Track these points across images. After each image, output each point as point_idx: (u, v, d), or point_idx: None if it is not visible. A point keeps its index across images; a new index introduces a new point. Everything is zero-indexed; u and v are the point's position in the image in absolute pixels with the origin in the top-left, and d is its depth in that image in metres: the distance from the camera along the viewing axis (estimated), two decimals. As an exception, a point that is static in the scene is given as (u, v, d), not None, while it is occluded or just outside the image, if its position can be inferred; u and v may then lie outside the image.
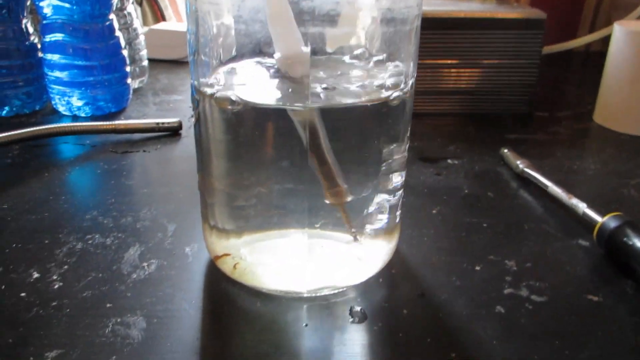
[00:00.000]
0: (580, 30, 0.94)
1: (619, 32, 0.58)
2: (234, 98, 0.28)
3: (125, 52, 0.62)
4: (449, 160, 0.51)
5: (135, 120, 0.58)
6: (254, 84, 0.29)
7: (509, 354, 0.28)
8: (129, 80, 0.63)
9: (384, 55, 0.30)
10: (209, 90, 0.29)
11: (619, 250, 0.35)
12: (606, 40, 0.60)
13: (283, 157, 0.29)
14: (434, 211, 0.41)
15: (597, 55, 0.62)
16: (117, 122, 0.54)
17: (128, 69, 0.63)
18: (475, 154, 0.52)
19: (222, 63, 0.29)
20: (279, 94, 0.29)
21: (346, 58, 0.30)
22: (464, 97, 0.62)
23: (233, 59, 0.29)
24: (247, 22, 0.27)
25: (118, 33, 0.61)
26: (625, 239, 0.34)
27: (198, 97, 0.30)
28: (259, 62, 0.29)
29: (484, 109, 0.63)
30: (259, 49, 0.28)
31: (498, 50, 0.61)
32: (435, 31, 0.59)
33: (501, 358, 0.28)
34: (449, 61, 0.61)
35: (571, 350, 0.28)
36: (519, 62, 0.62)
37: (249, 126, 0.29)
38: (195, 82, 0.30)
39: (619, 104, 0.59)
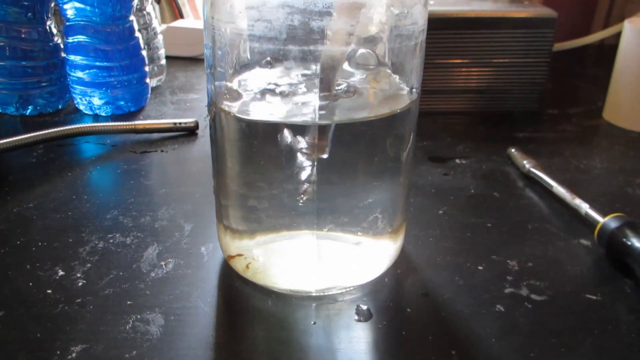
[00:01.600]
0: (594, 26, 0.94)
1: (629, 29, 0.58)
2: (247, 116, 0.30)
3: (144, 53, 0.64)
4: (457, 160, 0.52)
5: (153, 120, 0.60)
6: (265, 99, 0.31)
7: (507, 351, 0.30)
8: (147, 80, 0.65)
9: (391, 66, 0.31)
10: (223, 104, 0.31)
11: (618, 250, 0.36)
12: (620, 35, 0.61)
13: (293, 163, 0.31)
14: (440, 211, 0.43)
15: (612, 49, 0.63)
16: (136, 122, 0.56)
17: (147, 68, 0.65)
18: (484, 153, 0.53)
19: (237, 73, 0.31)
20: (288, 109, 0.30)
21: (355, 66, 0.31)
22: (474, 95, 0.63)
23: (248, 71, 0.31)
24: (260, 39, 0.29)
25: (137, 34, 0.63)
26: (624, 239, 0.36)
27: (214, 108, 0.32)
28: (271, 76, 0.30)
29: (494, 107, 0.64)
30: (270, 63, 0.30)
31: (508, 49, 0.62)
32: (446, 31, 0.60)
33: (499, 355, 0.29)
34: (460, 60, 0.62)
35: (568, 347, 0.30)
36: (529, 61, 0.62)
37: (260, 135, 0.31)
38: (212, 94, 0.32)
39: (629, 101, 0.60)
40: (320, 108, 0.29)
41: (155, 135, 0.57)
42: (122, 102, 0.63)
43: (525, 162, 0.48)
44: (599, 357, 0.29)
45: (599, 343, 0.30)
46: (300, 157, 0.30)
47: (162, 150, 0.54)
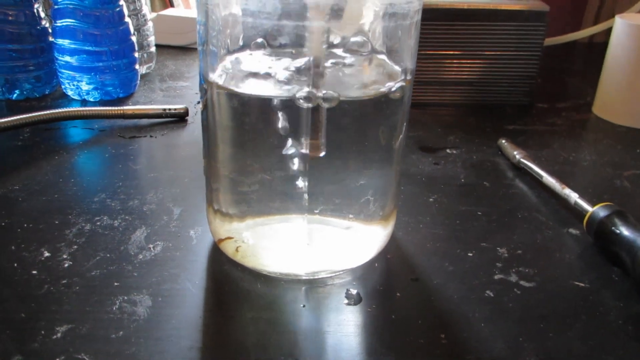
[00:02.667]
0: (584, 22, 0.95)
1: (620, 24, 0.59)
2: (239, 89, 0.30)
3: (134, 38, 0.63)
4: (448, 150, 0.52)
5: (142, 105, 0.59)
6: (258, 75, 0.31)
7: (496, 335, 0.30)
8: (137, 66, 0.65)
9: (385, 48, 0.31)
10: (216, 80, 0.30)
11: (606, 239, 0.36)
12: (610, 32, 0.61)
13: (273, 144, 0.31)
14: (430, 199, 0.43)
15: (601, 46, 0.63)
16: (125, 107, 0.55)
17: (136, 54, 0.64)
18: (474, 144, 0.53)
19: (230, 52, 0.31)
20: (282, 86, 0.30)
21: (348, 51, 0.31)
22: (465, 87, 0.63)
23: (240, 48, 0.30)
24: (254, 14, 0.28)
25: (127, 19, 0.62)
26: (613, 227, 0.36)
27: (206, 85, 0.31)
28: (264, 53, 0.30)
29: (485, 99, 0.64)
30: (265, 40, 0.29)
31: (500, 41, 0.62)
32: (438, 22, 0.60)
33: (488, 339, 0.29)
34: (452, 52, 0.62)
35: (555, 332, 0.30)
36: (521, 54, 0.63)
37: (253, 115, 0.31)
38: (204, 71, 0.31)
39: (618, 96, 0.60)
40: (313, 85, 0.29)
41: (144, 121, 0.56)
42: (110, 88, 0.62)
43: (515, 152, 0.48)
44: (585, 342, 0.30)
45: (586, 328, 0.30)
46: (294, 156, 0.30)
47: (151, 136, 0.53)
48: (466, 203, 0.43)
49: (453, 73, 0.63)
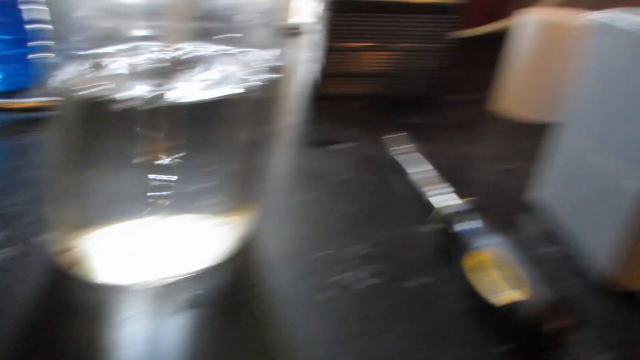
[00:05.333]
0: (509, 14, 0.95)
1: (519, 20, 0.59)
2: (82, 91, 0.29)
3: (30, 27, 0.61)
4: (337, 145, 0.52)
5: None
6: (104, 76, 0.29)
7: (319, 338, 0.30)
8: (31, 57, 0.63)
9: (242, 47, 0.30)
10: (59, 82, 0.29)
11: (445, 238, 0.37)
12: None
13: (122, 150, 0.30)
14: (301, 197, 0.43)
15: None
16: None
17: (33, 44, 0.62)
18: (366, 138, 0.53)
19: (79, 53, 0.29)
20: (124, 86, 0.29)
21: (207, 49, 0.30)
22: (376, 79, 0.63)
23: (91, 48, 0.29)
24: (104, 12, 0.27)
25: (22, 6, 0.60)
26: (448, 227, 0.37)
27: (50, 89, 0.30)
28: (117, 55, 0.29)
29: (396, 91, 0.64)
30: (117, 41, 0.28)
31: (412, 33, 0.62)
32: (351, 14, 0.60)
33: (309, 342, 0.29)
34: (363, 44, 0.61)
35: (394, 327, 0.31)
36: (432, 46, 0.63)
37: (94, 118, 0.29)
38: (48, 74, 0.30)
39: (514, 90, 0.61)
40: (156, 85, 0.28)
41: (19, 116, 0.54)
42: None
43: (393, 148, 0.48)
44: (410, 340, 0.30)
45: (412, 327, 0.31)
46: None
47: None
48: (336, 200, 0.42)
49: (364, 65, 0.62)
